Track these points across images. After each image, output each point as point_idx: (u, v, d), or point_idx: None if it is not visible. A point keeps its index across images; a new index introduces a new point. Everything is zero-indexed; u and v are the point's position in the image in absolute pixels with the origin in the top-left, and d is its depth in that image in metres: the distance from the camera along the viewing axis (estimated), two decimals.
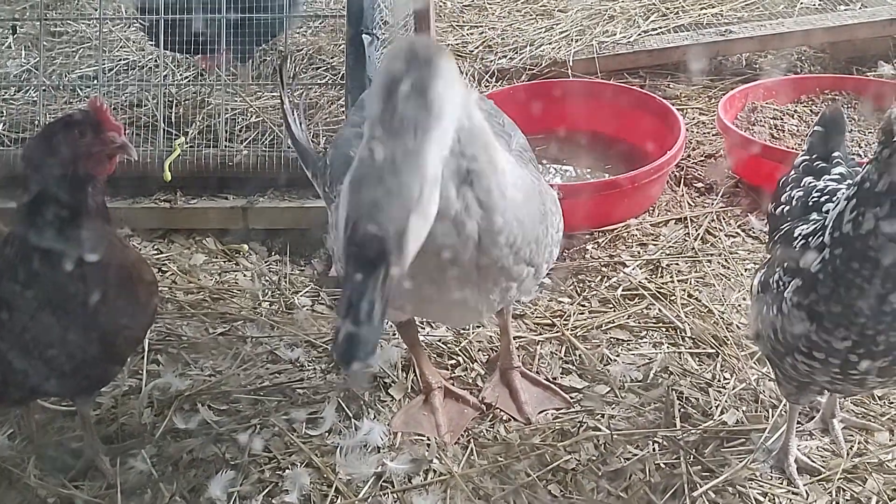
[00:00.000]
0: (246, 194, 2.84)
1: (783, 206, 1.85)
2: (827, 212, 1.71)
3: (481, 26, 4.20)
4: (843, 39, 3.76)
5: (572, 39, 3.90)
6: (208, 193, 2.88)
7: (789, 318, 1.58)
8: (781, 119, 3.28)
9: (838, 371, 1.58)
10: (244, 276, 2.69)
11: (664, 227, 2.88)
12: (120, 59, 3.75)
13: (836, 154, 1.88)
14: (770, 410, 2.07)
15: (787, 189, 1.87)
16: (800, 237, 1.65)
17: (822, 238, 1.55)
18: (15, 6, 4.47)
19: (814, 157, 1.90)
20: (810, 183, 1.83)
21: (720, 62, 3.93)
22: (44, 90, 3.36)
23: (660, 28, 3.94)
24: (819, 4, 4.02)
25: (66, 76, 3.58)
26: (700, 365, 2.25)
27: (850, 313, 1.48)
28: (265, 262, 2.74)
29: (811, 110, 3.34)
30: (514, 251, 1.54)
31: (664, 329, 2.38)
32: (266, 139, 2.99)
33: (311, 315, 2.50)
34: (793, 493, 1.86)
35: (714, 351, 2.28)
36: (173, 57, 3.68)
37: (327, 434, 2.04)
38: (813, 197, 1.78)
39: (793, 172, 1.91)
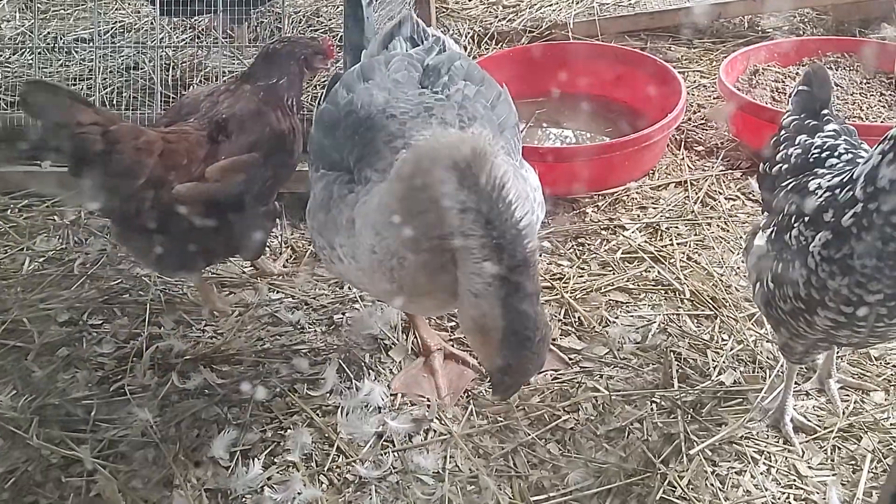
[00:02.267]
0: None
1: (780, 165, 1.84)
2: (831, 167, 1.71)
3: None
4: (845, 1, 3.71)
5: (573, 1, 3.86)
6: None
7: (817, 273, 1.57)
8: (783, 82, 3.26)
9: (863, 324, 1.58)
10: None
11: (664, 190, 2.88)
12: (116, 22, 3.71)
13: (825, 112, 1.89)
14: (767, 371, 2.09)
15: (782, 148, 1.87)
16: (824, 191, 1.63)
17: (851, 192, 1.53)
18: None
19: (803, 115, 1.90)
20: (806, 140, 1.83)
21: (722, 24, 3.89)
22: (39, 53, 3.33)
23: None
24: None
25: (61, 38, 3.54)
26: (698, 326, 2.26)
27: (886, 266, 1.48)
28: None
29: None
30: None
31: (663, 291, 2.39)
32: None
33: (311, 278, 2.51)
34: (788, 450, 1.88)
35: (712, 312, 2.29)
36: (169, 19, 3.65)
37: (328, 395, 2.06)
38: (813, 153, 1.78)
39: (784, 132, 1.91)
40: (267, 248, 2.55)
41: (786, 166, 1.81)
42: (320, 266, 2.56)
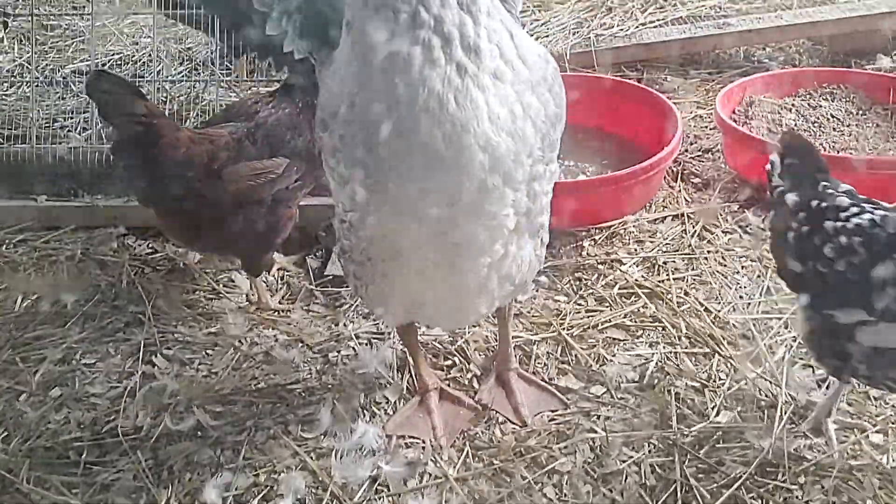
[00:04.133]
0: None
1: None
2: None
3: None
4: (841, 32, 3.73)
5: (570, 32, 3.87)
6: None
7: None
8: (779, 113, 3.26)
9: None
10: (239, 273, 2.67)
11: (661, 223, 2.87)
12: (114, 54, 3.73)
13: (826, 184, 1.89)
14: (765, 410, 2.07)
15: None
16: None
17: None
18: None
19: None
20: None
21: (718, 55, 3.91)
22: (36, 85, 3.34)
23: (657, 21, 3.91)
24: None
25: (59, 71, 3.55)
26: (696, 364, 2.25)
27: None
28: None
29: (808, 104, 3.32)
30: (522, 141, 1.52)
31: (661, 328, 2.37)
32: None
33: (306, 315, 2.49)
34: (788, 491, 1.86)
35: (710, 350, 2.28)
36: (167, 51, 3.67)
37: (322, 437, 2.03)
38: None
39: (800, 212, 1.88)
40: (265, 282, 2.55)
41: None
42: (315, 301, 2.56)
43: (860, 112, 3.26)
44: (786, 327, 2.35)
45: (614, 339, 2.36)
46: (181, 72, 3.55)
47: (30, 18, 3.51)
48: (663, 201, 2.98)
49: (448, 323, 2.14)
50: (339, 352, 2.32)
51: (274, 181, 2.34)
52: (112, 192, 2.82)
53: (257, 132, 2.36)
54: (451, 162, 1.45)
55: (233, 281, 2.65)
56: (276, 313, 2.50)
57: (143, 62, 3.63)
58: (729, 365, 2.23)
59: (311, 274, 2.64)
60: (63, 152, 2.89)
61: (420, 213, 1.53)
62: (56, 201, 2.85)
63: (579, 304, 2.50)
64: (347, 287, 2.49)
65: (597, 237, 2.79)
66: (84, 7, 4.15)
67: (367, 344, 2.33)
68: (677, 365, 2.24)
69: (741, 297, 2.49)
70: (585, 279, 2.60)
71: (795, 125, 3.21)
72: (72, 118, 3.16)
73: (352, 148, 1.52)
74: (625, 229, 2.82)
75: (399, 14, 1.38)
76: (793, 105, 3.31)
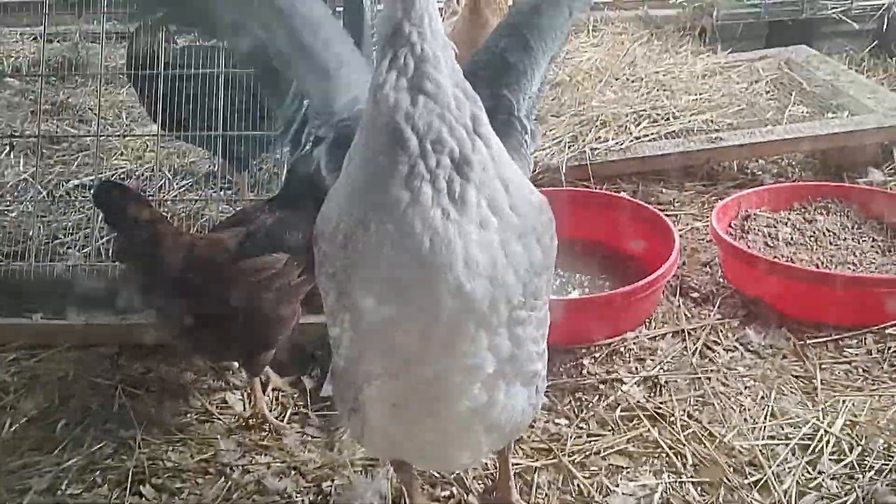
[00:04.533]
0: None
1: None
2: None
3: None
4: (831, 147, 3.80)
5: (565, 146, 3.95)
6: None
7: None
8: (775, 227, 3.29)
9: None
10: (233, 394, 2.63)
11: (661, 340, 2.84)
12: (118, 168, 3.79)
13: None
14: None
15: None
16: None
17: None
18: (16, 112, 4.56)
19: None
20: None
21: (712, 167, 3.97)
22: (40, 200, 3.38)
23: (651, 134, 3.98)
24: (807, 112, 4.09)
25: (62, 186, 3.60)
26: (702, 495, 2.17)
27: None
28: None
29: (804, 218, 3.36)
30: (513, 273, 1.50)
31: (664, 456, 2.31)
32: None
33: (300, 438, 2.43)
34: None
35: (716, 480, 2.21)
36: (170, 166, 3.73)
37: None
38: None
39: None
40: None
41: None
42: (310, 424, 2.50)
43: (855, 226, 3.29)
44: (793, 454, 2.29)
45: (617, 466, 2.29)
46: (183, 186, 3.60)
47: (37, 134, 3.58)
48: (663, 317, 2.96)
49: (434, 466, 2.08)
50: (333, 480, 2.25)
51: (275, 276, 2.36)
52: (108, 310, 2.80)
53: (258, 233, 2.41)
54: (420, 302, 1.45)
55: (226, 402, 2.60)
56: (270, 435, 2.44)
57: (146, 177, 3.68)
58: (736, 495, 2.15)
59: (307, 395, 2.60)
60: (61, 270, 2.89)
61: (390, 341, 1.53)
62: (51, 319, 2.83)
63: (580, 428, 2.44)
64: None
65: (596, 355, 2.75)
66: (91, 121, 4.25)
67: (362, 471, 2.26)
68: (683, 496, 2.16)
69: (745, 419, 2.44)
70: (586, 400, 2.55)
71: (792, 239, 3.23)
72: (72, 235, 3.18)
73: (330, 265, 1.56)
74: (625, 346, 2.79)
75: (398, 165, 1.40)
76: (788, 219, 3.34)
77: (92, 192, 2.59)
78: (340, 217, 1.52)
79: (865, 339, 2.77)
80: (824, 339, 2.77)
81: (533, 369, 1.69)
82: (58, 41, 5.40)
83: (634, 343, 2.81)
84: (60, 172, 3.75)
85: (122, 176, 3.71)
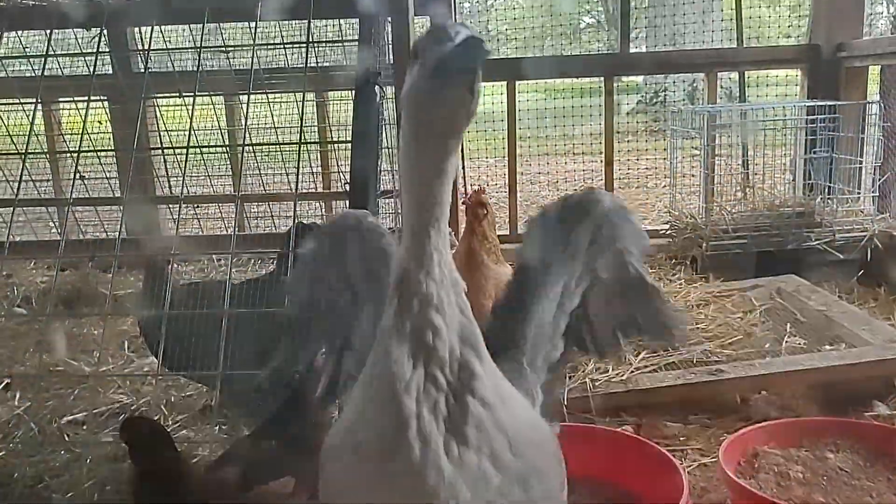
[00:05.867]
0: None
1: None
2: None
3: None
4: (834, 380, 3.79)
5: (566, 376, 3.93)
6: None
7: None
8: (786, 466, 3.18)
9: None
10: None
11: None
12: (114, 402, 3.74)
13: None
14: None
15: None
16: None
17: None
18: (19, 342, 4.60)
19: None
20: None
21: (715, 399, 3.92)
22: (30, 436, 3.31)
23: (651, 365, 3.99)
24: (803, 343, 4.13)
25: (55, 422, 3.54)
26: None
27: None
28: None
29: (814, 455, 3.26)
30: None
31: None
32: None
33: None
34: None
35: None
36: (167, 400, 3.70)
37: None
38: None
39: None
40: None
41: None
42: None
43: (868, 464, 3.18)
44: None
45: None
46: (178, 421, 3.54)
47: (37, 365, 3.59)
48: None
49: None
50: None
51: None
52: None
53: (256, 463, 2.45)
54: None
55: None
56: None
57: (142, 411, 3.63)
58: None
59: None
60: None
61: None
62: None
63: None
64: None
65: None
66: (95, 352, 4.27)
67: None
68: None
69: None
70: None
71: (804, 478, 3.11)
72: (57, 478, 3.07)
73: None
74: None
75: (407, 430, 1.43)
76: (799, 457, 3.24)
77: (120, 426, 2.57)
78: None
79: None
80: None
81: None
82: (70, 270, 5.60)
83: None
84: (55, 408, 3.70)
85: (117, 411, 3.66)
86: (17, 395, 3.79)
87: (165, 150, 5.50)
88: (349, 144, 3.14)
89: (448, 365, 1.46)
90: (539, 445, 1.59)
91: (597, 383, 3.88)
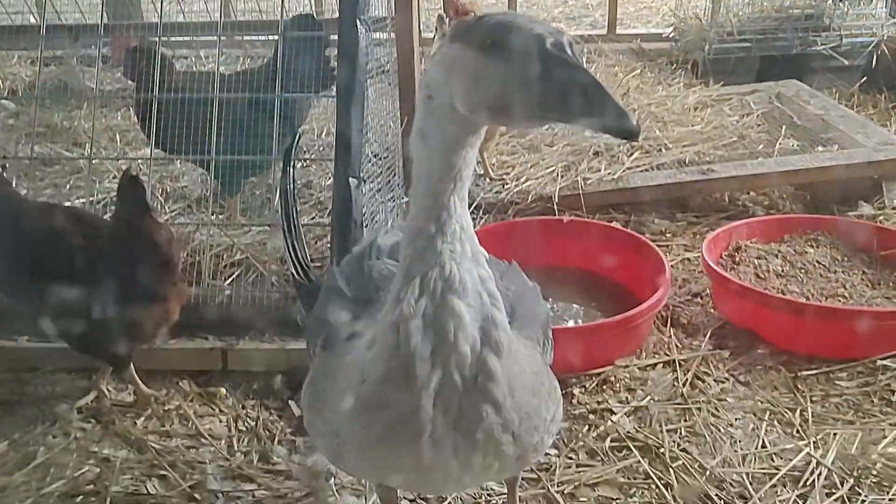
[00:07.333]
0: (227, 335, 2.80)
1: None
2: None
3: None
4: (822, 180, 3.83)
5: (558, 175, 3.97)
6: (187, 334, 2.82)
7: None
8: (766, 259, 3.30)
9: None
10: (220, 421, 2.60)
11: (652, 370, 2.83)
12: (110, 192, 3.77)
13: None
14: None
15: None
16: None
17: None
18: (10, 134, 4.56)
19: None
20: None
21: (703, 198, 3.99)
22: None
23: (643, 165, 4.02)
24: (797, 145, 4.13)
25: None
26: None
27: None
28: (242, 408, 2.65)
29: (794, 250, 3.36)
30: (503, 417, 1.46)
31: (654, 487, 2.29)
32: (250, 277, 2.97)
33: (288, 465, 2.40)
34: None
35: None
36: (162, 189, 3.73)
37: None
38: None
39: None
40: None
41: None
42: (297, 451, 2.47)
43: (845, 259, 3.30)
44: (784, 487, 2.27)
45: (606, 497, 2.26)
46: (174, 210, 3.59)
47: (30, 152, 3.57)
48: (654, 347, 2.95)
49: (424, 491, 2.05)
50: None
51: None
52: None
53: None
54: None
55: (212, 430, 2.56)
56: (256, 466, 2.40)
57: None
58: None
59: (294, 421, 2.57)
60: None
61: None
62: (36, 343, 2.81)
63: (570, 458, 2.41)
64: None
65: (587, 384, 2.74)
66: (85, 144, 4.25)
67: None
68: None
69: (736, 451, 2.42)
70: (576, 430, 2.53)
71: (782, 271, 3.23)
72: None
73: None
74: (615, 376, 2.77)
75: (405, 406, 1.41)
76: (779, 251, 3.34)
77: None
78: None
79: (856, 371, 2.77)
80: (815, 372, 2.77)
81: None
82: (54, 65, 5.44)
83: (625, 373, 2.80)
84: (52, 195, 3.73)
85: (113, 199, 3.69)
86: (14, 183, 3.81)
87: None
88: None
89: (468, 365, 1.38)
90: (539, 413, 1.58)
91: (588, 182, 3.92)
